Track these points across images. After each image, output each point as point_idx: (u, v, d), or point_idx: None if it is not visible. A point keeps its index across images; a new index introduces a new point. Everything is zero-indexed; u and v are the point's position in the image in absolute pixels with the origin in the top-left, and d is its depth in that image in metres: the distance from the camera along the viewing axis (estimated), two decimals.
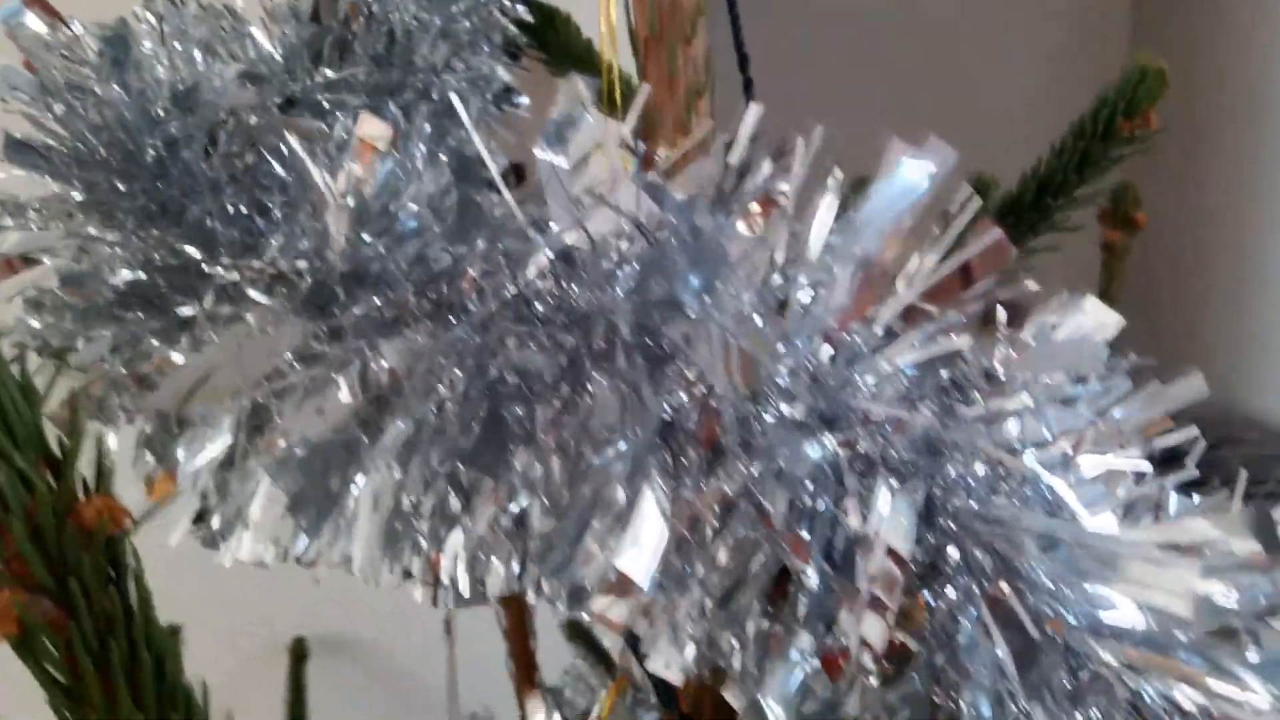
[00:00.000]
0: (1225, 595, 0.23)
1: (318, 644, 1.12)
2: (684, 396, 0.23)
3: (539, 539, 0.23)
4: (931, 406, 0.24)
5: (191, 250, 0.26)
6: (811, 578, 0.22)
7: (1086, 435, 0.24)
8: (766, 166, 0.26)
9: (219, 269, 0.26)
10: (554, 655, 0.71)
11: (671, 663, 0.24)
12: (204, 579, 1.28)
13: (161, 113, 0.26)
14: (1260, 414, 1.55)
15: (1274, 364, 1.55)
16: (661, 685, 0.36)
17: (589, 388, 0.23)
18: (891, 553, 0.22)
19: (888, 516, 0.22)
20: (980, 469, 0.24)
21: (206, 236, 0.27)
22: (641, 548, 0.22)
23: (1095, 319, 0.26)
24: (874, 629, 0.21)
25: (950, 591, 0.24)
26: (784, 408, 0.23)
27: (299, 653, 1.14)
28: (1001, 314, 0.24)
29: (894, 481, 0.23)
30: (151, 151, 0.26)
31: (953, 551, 0.24)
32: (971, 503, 0.24)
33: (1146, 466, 0.26)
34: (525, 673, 0.65)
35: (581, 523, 0.23)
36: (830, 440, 0.24)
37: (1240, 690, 0.23)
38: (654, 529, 0.22)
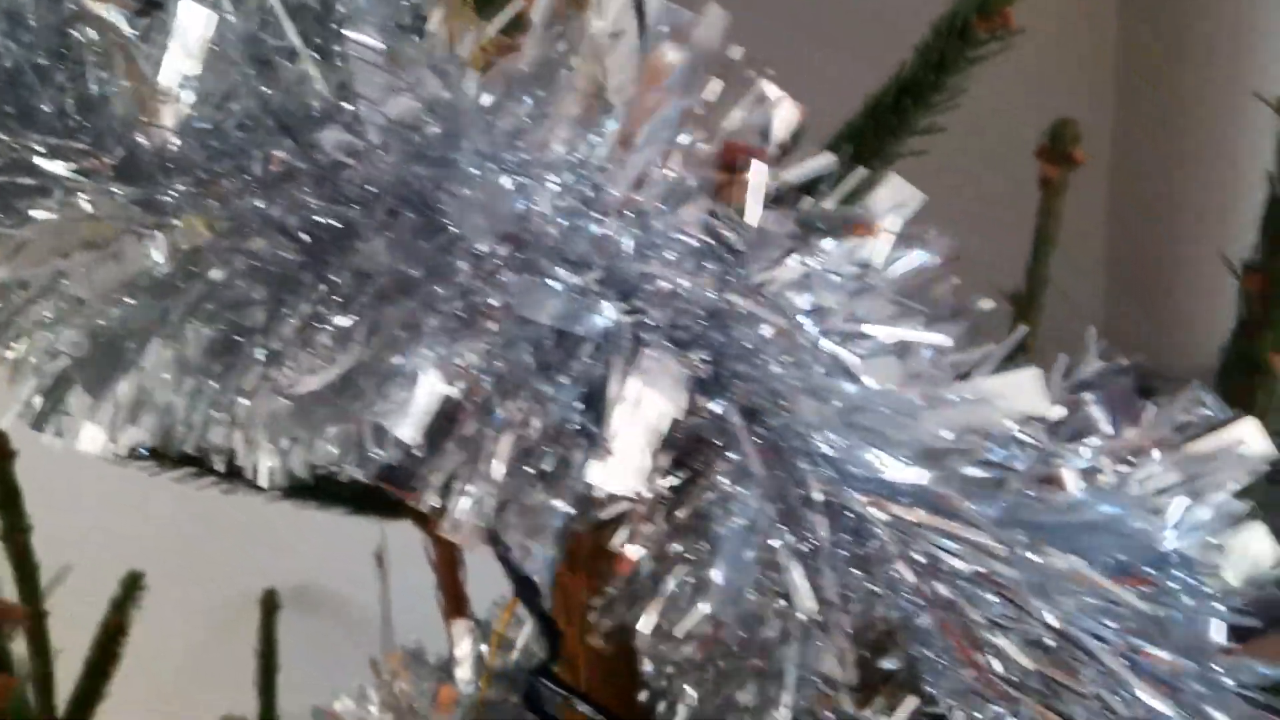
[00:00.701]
0: (1007, 453, 0.24)
1: (290, 596, 1.14)
2: (465, 264, 0.24)
3: (317, 409, 0.23)
4: (717, 274, 0.24)
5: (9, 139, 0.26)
6: (580, 447, 0.23)
7: (873, 306, 0.25)
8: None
9: (40, 157, 0.26)
10: (485, 589, 0.71)
11: (468, 521, 0.24)
12: (178, 532, 1.30)
13: None
14: None
15: None
16: (546, 624, 0.37)
17: (369, 255, 0.24)
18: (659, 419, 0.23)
19: (653, 376, 0.22)
20: (765, 335, 0.24)
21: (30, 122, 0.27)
22: (415, 411, 0.23)
23: (896, 194, 0.26)
24: (616, 477, 0.21)
25: (730, 459, 0.24)
26: (564, 272, 0.24)
27: (270, 605, 1.15)
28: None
29: (670, 345, 0.24)
30: None
31: (734, 418, 0.24)
32: (754, 370, 0.24)
33: (944, 340, 0.26)
34: (454, 604, 0.66)
35: (357, 387, 0.23)
36: (615, 308, 0.24)
37: (1020, 551, 0.23)
38: (428, 393, 0.23)
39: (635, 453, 0.22)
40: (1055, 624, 0.22)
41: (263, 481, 0.27)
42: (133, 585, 0.96)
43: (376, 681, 0.64)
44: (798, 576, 0.24)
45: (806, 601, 0.24)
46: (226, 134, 0.25)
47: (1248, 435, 0.26)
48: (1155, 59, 1.70)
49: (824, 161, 0.25)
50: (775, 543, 0.24)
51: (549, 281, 0.23)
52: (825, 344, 0.24)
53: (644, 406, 0.22)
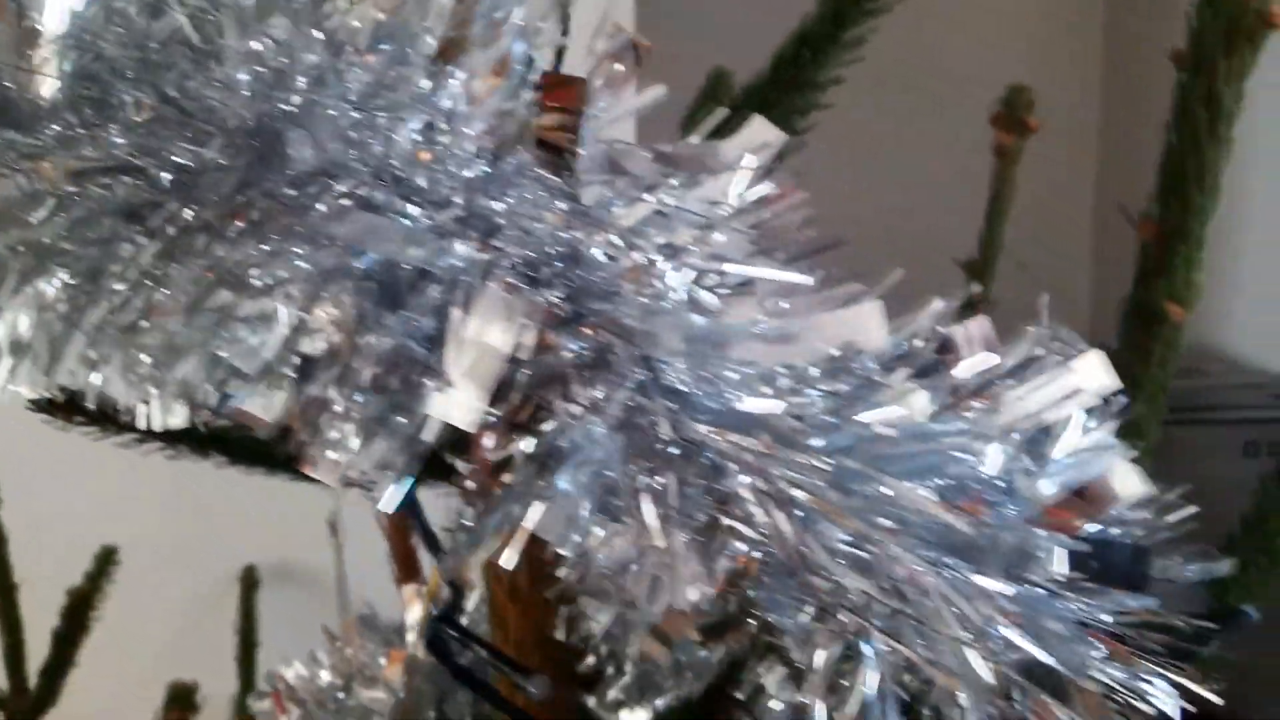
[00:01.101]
0: (848, 386, 0.24)
1: (270, 573, 1.15)
2: (320, 203, 0.24)
3: (172, 342, 0.24)
4: (569, 212, 0.25)
5: None
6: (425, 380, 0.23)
7: (729, 243, 0.25)
8: None
9: None
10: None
11: (328, 459, 0.25)
12: (158, 510, 1.30)
13: None
14: (1227, 348, 1.56)
15: (1240, 303, 1.56)
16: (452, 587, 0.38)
17: (225, 193, 0.24)
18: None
19: (493, 312, 0.23)
20: (618, 272, 0.25)
21: None
22: (267, 344, 0.23)
23: (758, 135, 0.26)
24: (455, 408, 0.22)
25: (583, 393, 0.25)
26: (419, 211, 0.24)
27: (249, 581, 1.16)
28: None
29: (523, 283, 0.24)
30: None
31: (588, 354, 0.25)
32: (608, 307, 0.25)
33: (804, 279, 0.26)
34: (405, 569, 0.67)
35: (211, 321, 0.24)
36: (469, 246, 0.24)
37: (859, 481, 0.24)
38: (280, 326, 0.23)
39: (473, 386, 0.23)
40: (894, 551, 0.23)
41: (143, 424, 0.27)
42: (106, 559, 0.97)
43: (329, 647, 0.65)
44: (647, 508, 0.24)
45: (655, 532, 0.24)
46: (99, 79, 0.26)
47: (1090, 369, 0.26)
48: (1141, 37, 1.70)
49: (655, 93, 0.25)
50: (625, 474, 0.24)
51: (399, 218, 0.24)
52: (675, 279, 0.24)
53: (483, 341, 0.23)
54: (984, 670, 0.24)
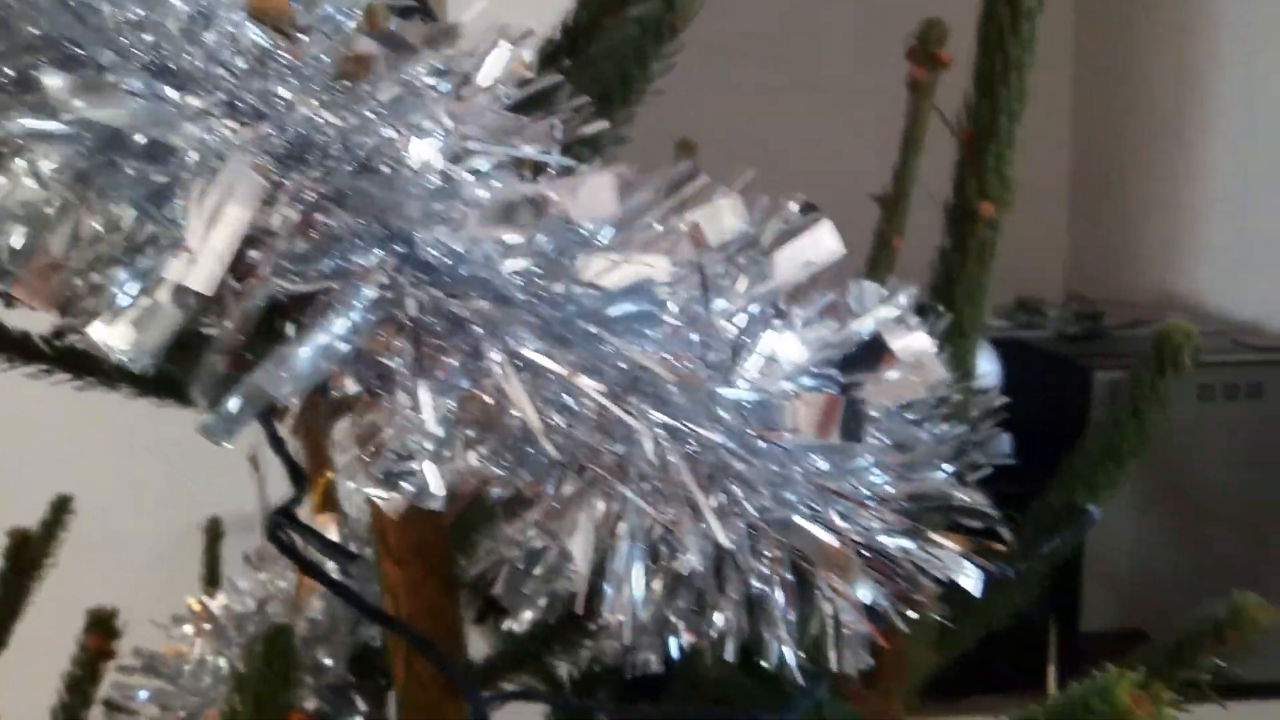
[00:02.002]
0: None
1: (234, 524, 1.17)
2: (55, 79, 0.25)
3: None
4: (326, 98, 0.26)
5: None
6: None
7: (485, 123, 0.26)
8: None
9: None
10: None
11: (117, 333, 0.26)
12: (122, 461, 1.32)
13: None
14: (1189, 297, 1.56)
15: (1202, 255, 1.57)
16: (292, 469, 0.39)
17: None
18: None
19: (233, 186, 0.24)
20: (373, 152, 0.26)
21: None
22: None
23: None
24: (193, 275, 0.23)
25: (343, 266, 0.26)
26: (170, 89, 0.25)
27: (214, 532, 1.18)
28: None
29: (276, 161, 0.25)
30: None
31: (346, 231, 0.26)
32: (368, 186, 0.26)
33: (554, 158, 0.27)
34: (322, 499, 0.69)
35: None
36: (225, 124, 0.26)
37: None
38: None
39: (211, 253, 0.24)
40: (606, 402, 0.24)
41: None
42: (61, 508, 0.99)
43: (247, 573, 0.67)
44: (401, 376, 0.26)
45: (413, 400, 0.26)
46: None
47: (821, 237, 0.27)
48: None
49: None
50: (376, 345, 0.25)
51: (154, 99, 0.25)
52: (424, 154, 0.25)
53: (223, 213, 0.24)
54: (716, 525, 0.25)
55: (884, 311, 0.32)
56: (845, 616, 0.31)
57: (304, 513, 0.76)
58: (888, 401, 0.30)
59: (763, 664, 0.42)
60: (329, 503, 0.69)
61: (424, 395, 0.25)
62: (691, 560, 0.26)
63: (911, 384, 0.31)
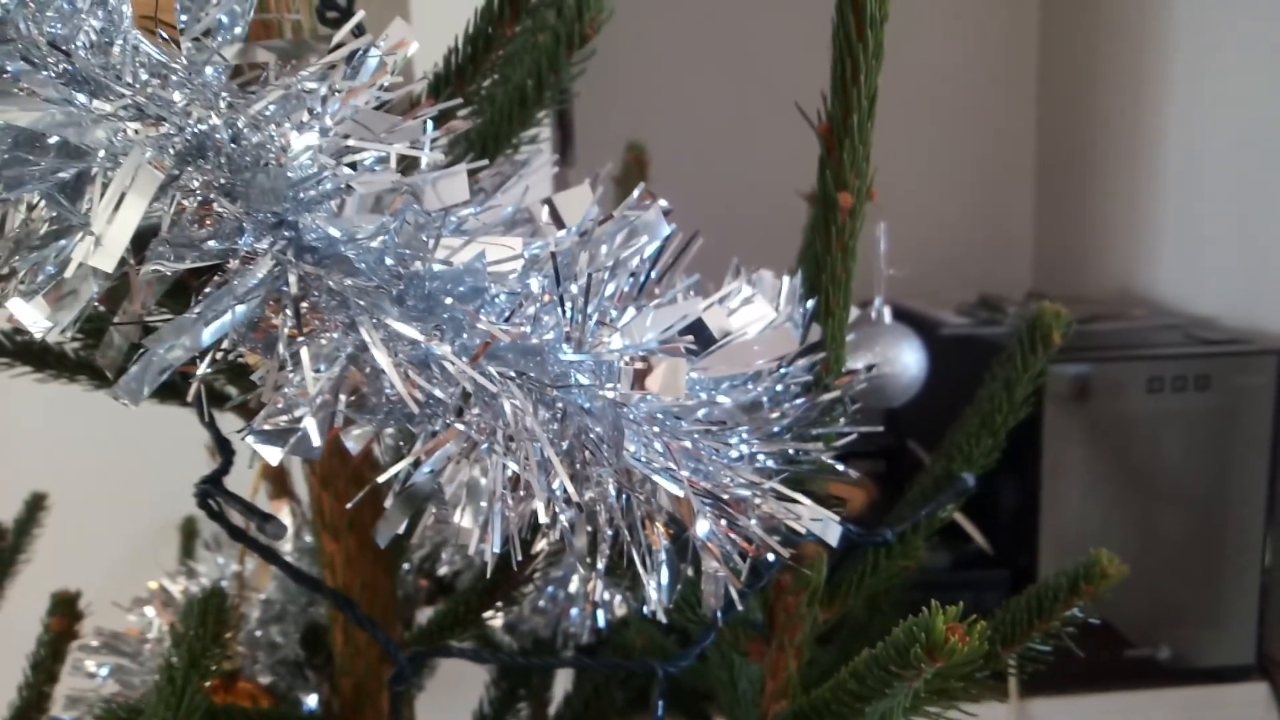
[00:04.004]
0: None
1: (210, 522, 1.19)
2: None
3: None
4: (217, 100, 0.30)
5: None
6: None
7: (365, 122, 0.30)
8: None
9: None
10: None
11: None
12: (98, 458, 1.35)
13: None
14: (1148, 294, 1.61)
15: (1161, 254, 1.61)
16: (219, 440, 0.42)
17: None
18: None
19: (133, 178, 0.28)
20: (256, 149, 0.30)
21: None
22: None
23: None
24: (98, 256, 0.27)
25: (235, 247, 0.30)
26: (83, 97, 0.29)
27: (189, 531, 1.21)
28: None
29: (173, 156, 0.29)
30: None
31: (232, 216, 0.30)
32: (248, 176, 0.30)
33: (430, 154, 0.31)
34: (278, 485, 0.72)
35: None
36: (130, 127, 0.29)
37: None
38: None
39: (114, 238, 0.27)
40: (461, 365, 0.28)
41: None
42: (35, 506, 1.01)
43: (205, 557, 0.71)
44: (286, 343, 0.29)
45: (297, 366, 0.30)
46: None
47: (653, 222, 0.31)
48: None
49: None
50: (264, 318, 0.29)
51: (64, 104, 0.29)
52: (302, 147, 0.29)
53: (124, 202, 0.28)
54: (565, 477, 0.29)
55: (741, 293, 0.35)
56: (709, 564, 0.35)
57: (263, 501, 0.79)
58: (734, 369, 0.34)
59: (684, 628, 0.45)
60: (282, 489, 0.72)
61: (305, 359, 0.29)
62: (539, 509, 0.29)
63: (755, 354, 0.34)
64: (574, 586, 0.60)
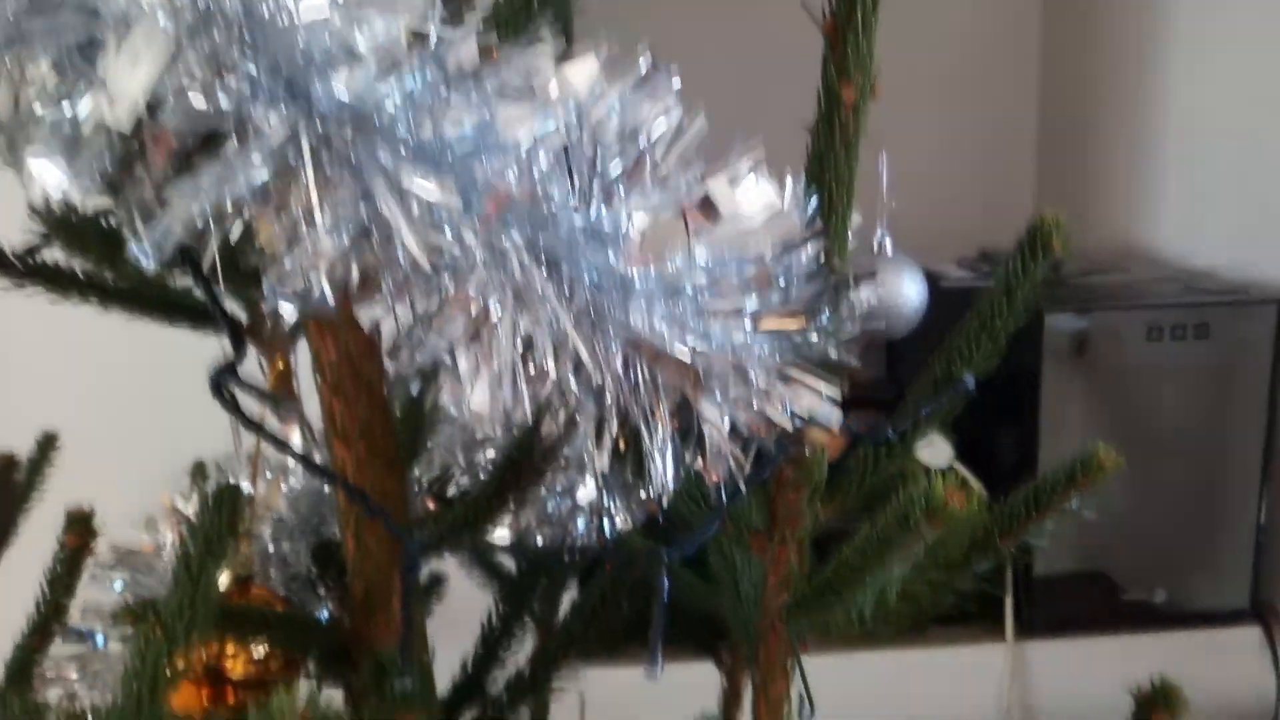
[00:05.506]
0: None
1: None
2: None
3: None
4: None
5: None
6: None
7: None
8: None
9: None
10: None
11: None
12: (107, 403, 1.36)
13: None
14: (1149, 248, 1.61)
15: (1161, 208, 1.61)
16: (231, 328, 0.43)
17: None
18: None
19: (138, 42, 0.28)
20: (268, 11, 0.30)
21: None
22: None
23: None
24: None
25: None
26: None
27: (200, 475, 1.22)
28: None
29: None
30: None
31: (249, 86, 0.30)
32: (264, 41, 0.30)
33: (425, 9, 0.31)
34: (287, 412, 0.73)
35: None
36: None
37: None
38: None
39: (128, 97, 0.28)
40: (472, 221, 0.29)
41: None
42: (47, 445, 1.02)
43: (217, 478, 0.72)
44: (300, 202, 0.30)
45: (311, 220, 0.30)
46: None
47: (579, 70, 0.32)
48: None
49: None
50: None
51: None
52: (314, 11, 0.30)
53: (137, 63, 0.28)
54: (570, 325, 0.30)
55: (739, 171, 0.36)
56: (710, 433, 0.36)
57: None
58: (741, 251, 0.35)
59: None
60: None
61: (319, 219, 0.30)
62: (549, 368, 0.30)
63: (762, 236, 0.35)
64: (581, 495, 0.61)
